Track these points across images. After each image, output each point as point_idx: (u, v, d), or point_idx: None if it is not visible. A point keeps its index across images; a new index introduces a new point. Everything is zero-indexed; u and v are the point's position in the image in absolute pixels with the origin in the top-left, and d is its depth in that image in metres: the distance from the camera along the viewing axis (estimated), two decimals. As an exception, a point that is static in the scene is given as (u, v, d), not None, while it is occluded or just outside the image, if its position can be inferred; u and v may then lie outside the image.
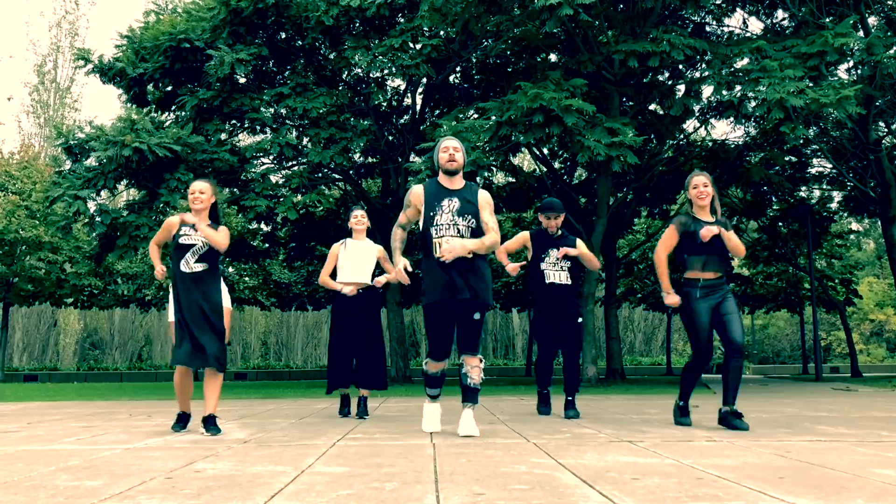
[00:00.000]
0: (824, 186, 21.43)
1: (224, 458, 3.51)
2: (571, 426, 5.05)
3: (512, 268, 5.78)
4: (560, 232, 6.07)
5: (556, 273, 5.96)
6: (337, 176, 18.40)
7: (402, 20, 15.37)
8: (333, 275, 6.13)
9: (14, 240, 25.13)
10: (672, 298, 4.80)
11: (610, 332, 18.31)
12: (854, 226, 35.61)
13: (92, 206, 14.60)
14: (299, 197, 15.53)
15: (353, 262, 5.98)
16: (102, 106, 77.68)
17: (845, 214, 23.02)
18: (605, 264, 18.81)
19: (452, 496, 2.42)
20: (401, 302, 18.20)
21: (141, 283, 28.36)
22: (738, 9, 16.55)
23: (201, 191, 4.84)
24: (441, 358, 4.58)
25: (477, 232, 4.49)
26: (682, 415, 5.03)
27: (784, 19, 16.82)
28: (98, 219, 14.40)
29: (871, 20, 16.07)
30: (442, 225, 4.44)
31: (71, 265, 27.11)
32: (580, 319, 6.07)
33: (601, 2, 12.92)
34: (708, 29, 17.12)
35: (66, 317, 48.40)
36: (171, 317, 4.78)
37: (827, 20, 13.51)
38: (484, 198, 4.56)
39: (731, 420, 4.68)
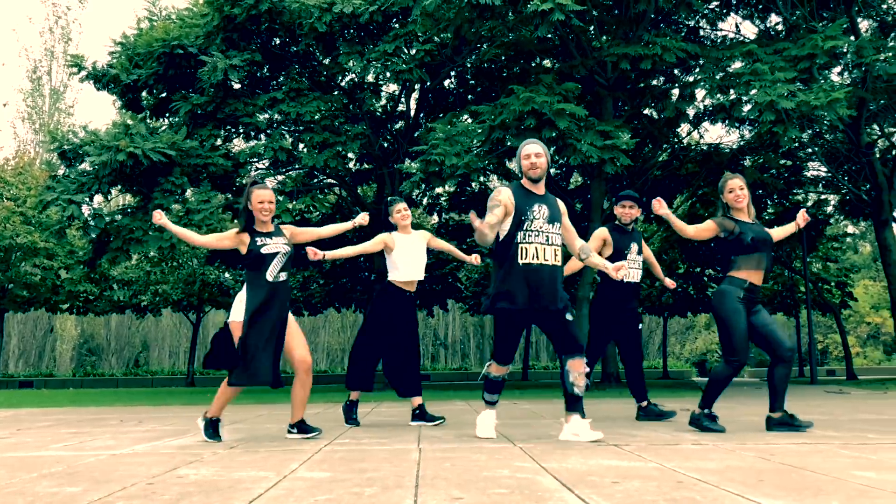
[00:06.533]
0: (819, 190, 21.49)
1: (208, 463, 3.51)
2: (560, 430, 5.03)
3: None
4: (633, 226, 5.83)
5: (634, 271, 5.70)
6: (332, 181, 18.40)
7: (396, 26, 15.41)
8: (383, 267, 5.62)
9: (9, 246, 25.12)
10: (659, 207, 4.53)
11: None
12: (850, 228, 35.67)
13: (86, 210, 14.62)
14: (293, 203, 15.54)
15: (410, 258, 5.51)
16: (97, 111, 77.75)
17: (841, 218, 23.07)
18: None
19: (430, 501, 2.42)
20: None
21: (137, 289, 28.32)
22: (731, 13, 16.61)
23: (270, 200, 4.64)
24: (506, 362, 4.49)
25: (560, 239, 4.43)
26: (709, 420, 4.72)
27: (777, 23, 16.88)
28: (92, 223, 14.41)
29: (864, 24, 16.13)
30: (532, 231, 4.29)
31: (66, 271, 27.07)
32: (641, 326, 5.86)
33: (593, 7, 12.96)
34: (702, 33, 17.17)
35: (62, 323, 48.35)
36: (235, 317, 4.57)
37: (819, 24, 13.56)
38: (563, 206, 4.56)
39: (791, 422, 4.71)
